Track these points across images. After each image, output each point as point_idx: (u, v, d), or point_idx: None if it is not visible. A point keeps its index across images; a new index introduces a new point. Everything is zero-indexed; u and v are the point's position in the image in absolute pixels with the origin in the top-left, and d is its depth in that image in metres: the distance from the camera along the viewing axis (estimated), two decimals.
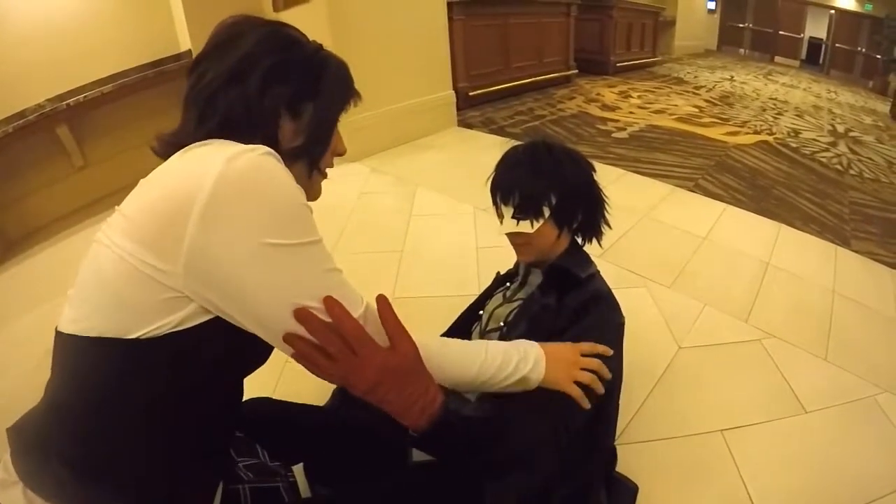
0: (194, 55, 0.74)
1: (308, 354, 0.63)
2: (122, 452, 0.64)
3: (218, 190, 0.56)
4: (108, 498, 0.64)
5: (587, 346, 0.93)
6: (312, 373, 0.66)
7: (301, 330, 0.62)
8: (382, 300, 0.70)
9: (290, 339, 0.62)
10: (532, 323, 1.03)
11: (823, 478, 1.39)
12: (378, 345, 0.68)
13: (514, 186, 1.04)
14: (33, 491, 0.63)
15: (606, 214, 1.14)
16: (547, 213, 1.04)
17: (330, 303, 0.63)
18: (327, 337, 0.63)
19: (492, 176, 1.10)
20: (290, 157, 0.72)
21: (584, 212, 1.09)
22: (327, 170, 0.81)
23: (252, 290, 0.60)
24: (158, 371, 0.62)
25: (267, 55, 0.70)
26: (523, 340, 0.91)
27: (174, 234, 0.56)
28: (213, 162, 0.58)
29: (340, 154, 0.83)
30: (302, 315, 0.61)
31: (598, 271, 1.11)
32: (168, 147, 0.68)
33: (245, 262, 0.58)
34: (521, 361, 0.85)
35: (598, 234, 1.14)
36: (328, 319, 0.63)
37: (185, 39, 3.55)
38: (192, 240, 0.56)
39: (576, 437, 0.90)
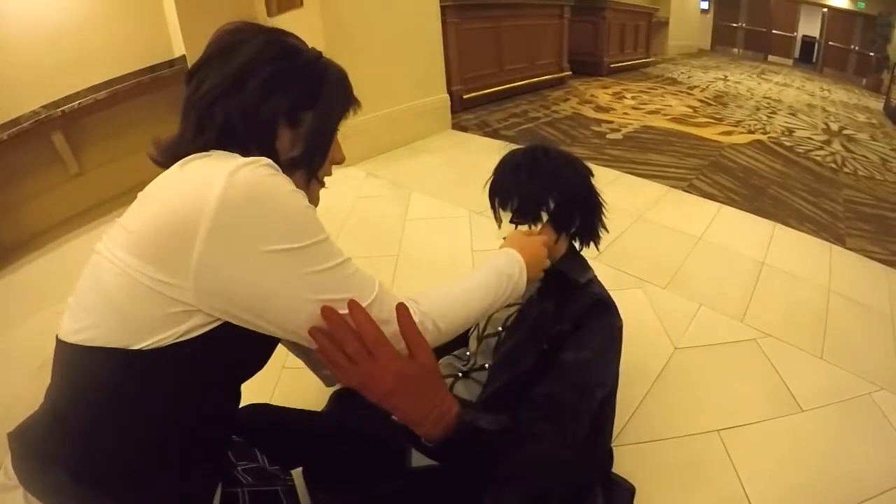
0: (188, 61, 0.74)
1: (328, 350, 0.65)
2: (121, 457, 0.64)
3: (222, 206, 0.57)
4: (106, 502, 0.65)
5: (549, 235, 1.03)
6: (333, 374, 0.68)
7: (323, 324, 0.64)
8: (402, 310, 0.70)
9: (313, 332, 0.64)
10: (531, 327, 1.02)
11: (821, 476, 1.40)
12: (396, 352, 0.69)
13: (512, 191, 1.05)
14: (34, 495, 0.64)
15: (604, 218, 1.14)
16: (545, 217, 1.04)
17: (350, 303, 0.65)
18: (346, 335, 0.65)
19: (490, 180, 1.10)
20: (288, 168, 0.71)
21: (582, 216, 1.10)
22: (325, 178, 0.81)
23: (268, 296, 0.61)
24: (160, 379, 0.63)
25: (266, 64, 0.69)
26: (503, 252, 0.93)
27: (181, 251, 0.57)
28: (214, 177, 0.59)
29: (339, 163, 0.83)
30: (325, 312, 0.63)
31: (596, 275, 1.12)
32: (166, 156, 0.68)
33: (257, 271, 0.60)
34: (509, 277, 0.88)
35: (595, 238, 1.15)
36: (345, 311, 0.65)
37: (179, 45, 3.53)
38: (200, 256, 0.57)
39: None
